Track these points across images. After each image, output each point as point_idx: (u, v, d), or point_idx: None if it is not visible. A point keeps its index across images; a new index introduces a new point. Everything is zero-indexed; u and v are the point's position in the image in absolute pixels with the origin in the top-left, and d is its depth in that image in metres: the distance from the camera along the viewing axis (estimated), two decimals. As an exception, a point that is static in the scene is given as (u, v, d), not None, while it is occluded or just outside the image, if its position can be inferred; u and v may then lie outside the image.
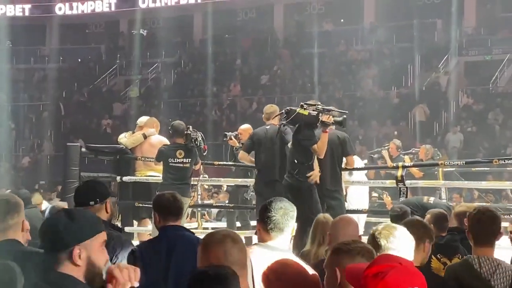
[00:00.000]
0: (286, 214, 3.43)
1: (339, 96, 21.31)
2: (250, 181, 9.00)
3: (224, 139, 9.53)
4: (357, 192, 9.65)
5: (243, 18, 27.63)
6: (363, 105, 21.31)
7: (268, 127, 7.93)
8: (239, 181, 9.70)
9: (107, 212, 3.89)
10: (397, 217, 6.01)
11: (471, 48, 22.85)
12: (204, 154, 8.48)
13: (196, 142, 8.27)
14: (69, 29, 28.95)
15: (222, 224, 11.06)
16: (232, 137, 9.39)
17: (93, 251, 2.45)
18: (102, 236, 2.51)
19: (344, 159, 7.79)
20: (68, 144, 9.92)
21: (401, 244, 3.26)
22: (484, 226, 3.82)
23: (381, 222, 7.66)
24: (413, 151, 10.94)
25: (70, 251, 2.42)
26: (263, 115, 8.13)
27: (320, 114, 6.97)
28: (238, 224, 9.86)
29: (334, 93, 21.58)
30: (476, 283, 3.56)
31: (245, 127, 9.38)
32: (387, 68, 22.21)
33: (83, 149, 9.53)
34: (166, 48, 26.70)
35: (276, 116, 7.90)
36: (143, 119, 9.88)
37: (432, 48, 22.64)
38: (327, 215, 5.22)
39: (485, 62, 21.94)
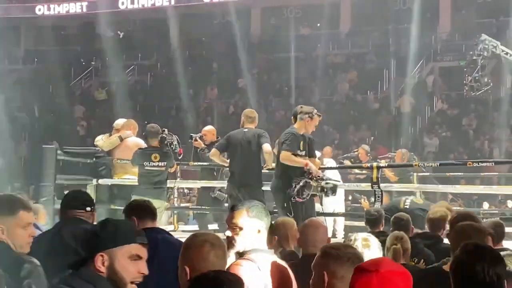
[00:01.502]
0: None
1: (315, 100, 21.38)
2: (224, 183, 9.05)
3: (190, 140, 9.53)
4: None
5: (220, 21, 27.61)
6: (339, 109, 21.41)
7: (246, 130, 7.95)
8: (215, 183, 9.71)
9: (92, 221, 4.06)
10: (373, 221, 6.05)
11: (446, 53, 23.05)
12: (180, 157, 8.46)
13: (172, 146, 8.26)
14: (44, 31, 28.68)
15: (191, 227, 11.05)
16: (197, 139, 9.40)
17: (117, 260, 2.49)
18: (133, 248, 2.52)
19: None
20: (44, 146, 9.85)
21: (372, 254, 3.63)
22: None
23: (356, 226, 7.71)
24: (389, 155, 11.04)
25: (94, 257, 2.48)
26: (242, 118, 8.13)
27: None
28: (215, 226, 9.84)
29: (311, 97, 21.66)
30: None
31: (209, 128, 9.55)
32: (363, 72, 22.35)
33: (59, 152, 9.47)
34: (143, 51, 26.60)
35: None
36: (119, 121, 9.83)
37: (407, 53, 22.80)
38: (286, 218, 5.32)
39: (460, 67, 22.13)
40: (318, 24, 26.12)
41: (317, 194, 7.39)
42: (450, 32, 23.80)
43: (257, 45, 26.34)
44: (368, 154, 10.94)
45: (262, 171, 8.06)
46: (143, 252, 2.56)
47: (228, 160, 8.13)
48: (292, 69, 22.65)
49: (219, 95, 24.14)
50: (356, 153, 11.03)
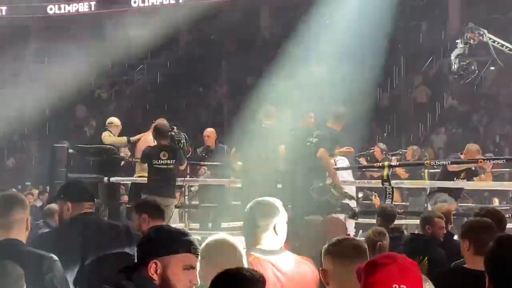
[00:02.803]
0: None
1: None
2: (233, 182, 9.10)
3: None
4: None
5: (230, 19, 27.59)
6: (349, 106, 21.34)
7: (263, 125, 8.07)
8: (226, 181, 9.73)
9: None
10: (388, 218, 6.06)
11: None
12: (188, 155, 8.46)
13: (180, 144, 8.26)
14: (54, 30, 28.77)
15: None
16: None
17: (170, 268, 2.48)
18: (187, 257, 2.51)
19: None
20: (55, 145, 9.89)
21: None
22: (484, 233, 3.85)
23: (367, 223, 7.71)
24: (400, 152, 11.02)
25: (147, 264, 2.47)
26: (261, 115, 8.22)
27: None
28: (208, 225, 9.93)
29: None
30: None
31: (211, 131, 9.66)
32: (373, 70, 22.27)
33: (70, 150, 9.52)
34: (152, 49, 26.62)
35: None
36: (112, 119, 10.03)
37: (417, 50, 22.74)
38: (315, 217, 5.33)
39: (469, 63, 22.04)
40: (327, 21, 26.07)
41: (333, 205, 7.39)
42: (459, 29, 23.69)
43: (267, 42, 26.32)
44: (384, 152, 10.94)
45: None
46: (196, 262, 2.55)
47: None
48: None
49: (229, 93, 24.15)
50: (372, 151, 11.03)
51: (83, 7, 28.70)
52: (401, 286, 2.14)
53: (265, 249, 3.25)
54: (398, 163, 9.97)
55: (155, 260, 2.47)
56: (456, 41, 12.36)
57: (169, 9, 27.55)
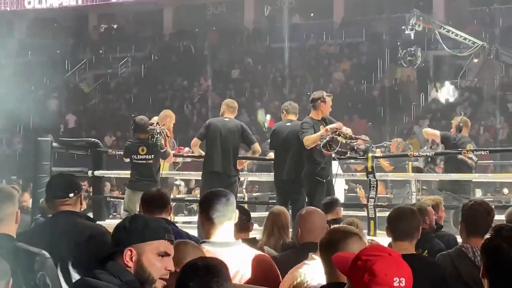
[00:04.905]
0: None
1: (309, 91, 21.37)
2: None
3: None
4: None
5: (214, 12, 27.56)
6: (333, 99, 21.38)
7: (227, 119, 8.06)
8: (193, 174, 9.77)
9: (81, 204, 3.80)
10: (328, 205, 6.07)
11: (440, 42, 23.00)
12: (163, 150, 8.26)
13: (153, 139, 8.11)
14: (38, 23, 28.59)
15: (194, 218, 11.06)
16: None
17: (145, 255, 2.51)
18: (161, 244, 2.54)
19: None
20: (38, 138, 9.83)
21: None
22: (479, 218, 3.92)
23: (351, 215, 7.76)
24: (385, 145, 11.02)
25: (122, 251, 2.50)
26: (223, 107, 8.22)
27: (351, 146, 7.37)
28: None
29: (305, 87, 21.66)
30: (473, 270, 3.63)
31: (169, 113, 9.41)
32: (357, 62, 22.34)
33: (54, 144, 9.46)
34: (136, 43, 26.52)
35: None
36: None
37: (401, 42, 22.79)
38: (280, 207, 5.36)
39: (454, 56, 22.15)
40: (311, 14, 26.10)
41: (347, 152, 7.45)
42: (443, 21, 23.77)
43: (251, 35, 26.30)
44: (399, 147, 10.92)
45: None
46: (171, 249, 2.58)
47: (205, 148, 8.17)
48: (286, 59, 22.64)
49: (213, 85, 24.13)
50: (388, 144, 11.02)
51: (68, 1, 28.50)
52: (401, 279, 2.13)
53: (216, 241, 3.26)
54: (381, 155, 9.99)
55: (130, 248, 2.49)
56: (402, 27, 12.45)
57: (153, 3, 27.48)
